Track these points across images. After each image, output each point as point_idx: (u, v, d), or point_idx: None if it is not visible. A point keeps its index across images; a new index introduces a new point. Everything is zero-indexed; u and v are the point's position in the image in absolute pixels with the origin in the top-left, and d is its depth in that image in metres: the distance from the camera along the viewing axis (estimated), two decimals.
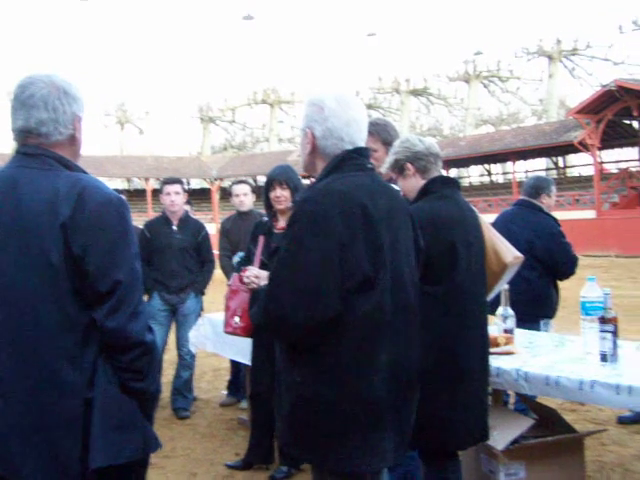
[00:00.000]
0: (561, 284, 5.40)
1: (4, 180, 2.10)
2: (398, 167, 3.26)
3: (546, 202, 5.41)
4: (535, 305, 4.98)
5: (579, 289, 3.72)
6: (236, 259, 5.26)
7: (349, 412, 2.22)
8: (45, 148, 2.13)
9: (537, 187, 5.44)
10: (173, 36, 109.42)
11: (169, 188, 6.14)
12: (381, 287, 2.27)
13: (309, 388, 2.25)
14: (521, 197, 5.63)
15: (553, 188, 5.52)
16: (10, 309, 2.00)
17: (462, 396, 3.04)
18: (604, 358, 3.33)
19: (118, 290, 2.01)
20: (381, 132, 3.81)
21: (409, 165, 3.22)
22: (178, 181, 6.33)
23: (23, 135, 2.15)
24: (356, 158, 2.39)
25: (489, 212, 26.33)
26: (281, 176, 4.56)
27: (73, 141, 2.19)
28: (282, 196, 4.52)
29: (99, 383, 2.03)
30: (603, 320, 3.31)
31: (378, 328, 2.27)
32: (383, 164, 3.45)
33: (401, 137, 3.42)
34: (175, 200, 6.12)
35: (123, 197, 2.17)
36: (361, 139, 2.44)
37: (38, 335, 1.99)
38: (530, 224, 5.21)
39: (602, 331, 3.32)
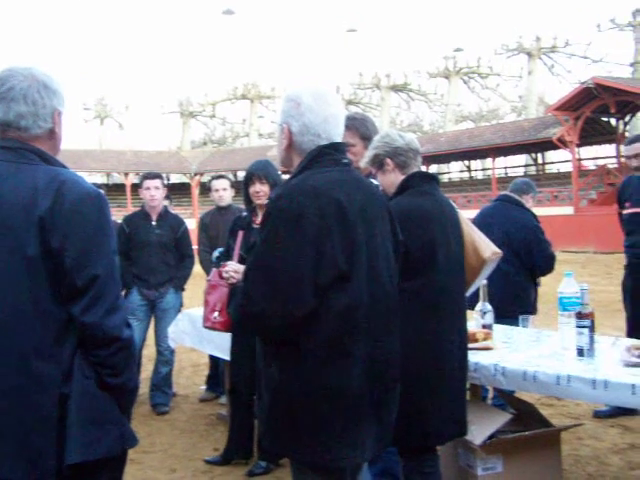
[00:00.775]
0: (540, 280, 5.45)
1: None
2: (378, 162, 3.26)
3: (529, 204, 5.51)
4: (513, 301, 5.02)
5: (557, 285, 3.75)
6: (215, 254, 5.25)
7: (327, 406, 2.23)
8: (24, 142, 2.11)
9: (526, 186, 5.59)
10: (154, 30, 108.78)
11: (149, 183, 6.11)
12: (356, 282, 2.27)
13: (287, 382, 2.25)
14: (503, 193, 5.70)
15: (536, 195, 5.70)
16: None
17: (440, 391, 3.05)
18: (581, 353, 3.36)
19: (95, 285, 2.00)
20: (359, 127, 3.81)
21: (388, 160, 3.23)
22: (158, 176, 6.31)
23: (2, 128, 2.13)
24: (331, 154, 2.39)
25: (468, 208, 26.46)
26: (260, 171, 4.55)
27: (52, 135, 2.18)
28: (261, 191, 4.52)
29: (75, 378, 2.01)
30: (580, 315, 3.34)
31: (354, 323, 2.27)
32: (362, 158, 3.45)
33: (381, 132, 3.43)
34: (155, 195, 6.09)
35: (102, 192, 2.16)
36: (338, 134, 2.44)
37: (14, 329, 1.97)
38: (509, 218, 5.27)
39: (579, 326, 3.36)
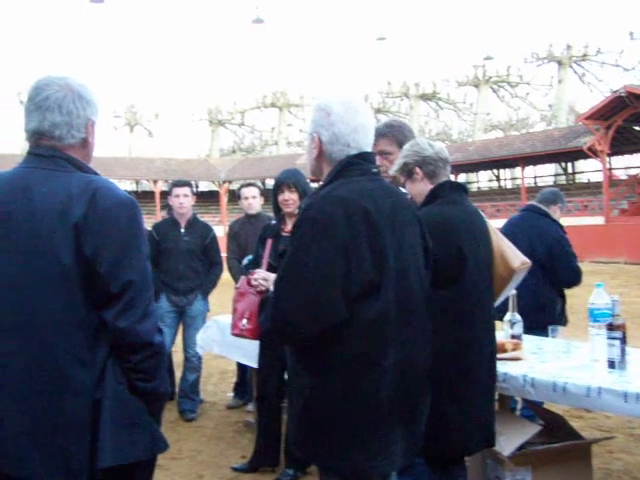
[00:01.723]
0: (569, 291, 5.39)
1: (17, 181, 2.11)
2: (407, 171, 3.26)
3: (556, 214, 5.48)
4: (538, 311, 4.97)
5: (587, 296, 3.71)
6: (244, 262, 5.27)
7: (357, 415, 2.23)
8: (58, 149, 2.14)
9: (554, 196, 5.55)
10: (183, 39, 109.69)
11: (178, 190, 6.16)
12: (386, 291, 2.27)
13: (318, 391, 2.26)
14: (530, 202, 5.67)
15: (564, 206, 5.62)
16: (21, 310, 2.01)
17: (469, 401, 3.04)
18: (612, 365, 3.32)
19: (129, 291, 2.02)
20: (397, 134, 3.76)
21: (418, 169, 3.22)
22: (187, 184, 6.35)
23: (36, 137, 2.16)
24: (360, 163, 2.40)
25: (497, 217, 26.26)
26: (289, 179, 4.58)
27: (85, 144, 2.21)
28: (290, 199, 4.54)
29: (108, 383, 2.04)
30: (611, 327, 3.31)
31: (384, 332, 2.27)
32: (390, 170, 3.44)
33: (412, 140, 3.42)
34: (183, 203, 6.14)
35: (134, 199, 2.18)
36: (367, 144, 2.45)
37: (48, 336, 2.00)
38: (534, 228, 5.24)
39: (610, 338, 3.32)
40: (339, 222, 2.21)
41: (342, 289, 2.19)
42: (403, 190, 3.28)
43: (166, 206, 7.59)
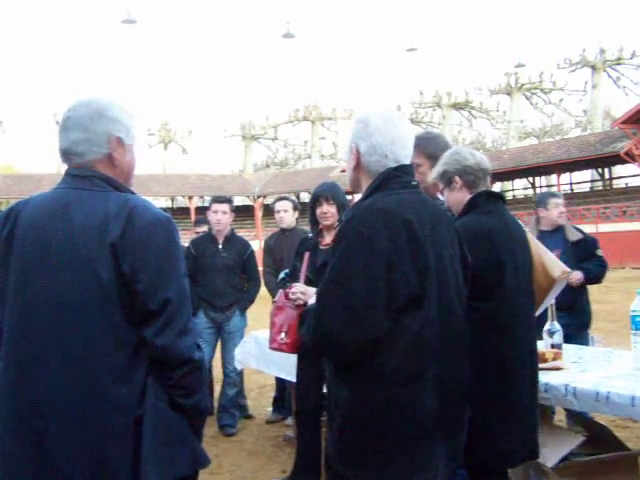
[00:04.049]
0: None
1: (56, 202, 2.15)
2: (446, 179, 3.22)
3: (545, 215, 5.67)
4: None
5: (629, 303, 3.65)
6: (282, 275, 5.28)
7: (400, 428, 2.22)
8: (94, 170, 2.17)
9: (536, 202, 5.82)
10: (215, 55, 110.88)
11: (217, 207, 6.20)
12: (429, 304, 2.26)
13: (359, 404, 2.25)
14: None
15: (551, 201, 5.70)
16: (61, 329, 2.03)
17: (510, 412, 2.99)
18: None
19: (168, 308, 2.04)
20: (426, 145, 3.71)
21: (457, 178, 3.18)
22: (228, 200, 6.38)
23: (64, 157, 2.22)
24: (400, 176, 2.40)
25: None
26: (327, 192, 4.59)
27: (112, 160, 2.22)
28: (329, 212, 4.55)
29: (148, 400, 2.05)
30: None
31: (426, 345, 2.26)
32: (428, 178, 3.42)
33: (453, 148, 3.39)
34: (221, 219, 6.18)
35: (170, 217, 2.20)
36: (406, 156, 2.45)
37: (88, 354, 2.02)
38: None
39: None
40: (382, 234, 2.21)
41: (385, 301, 2.18)
42: (441, 197, 3.26)
43: (200, 221, 7.63)
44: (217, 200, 6.32)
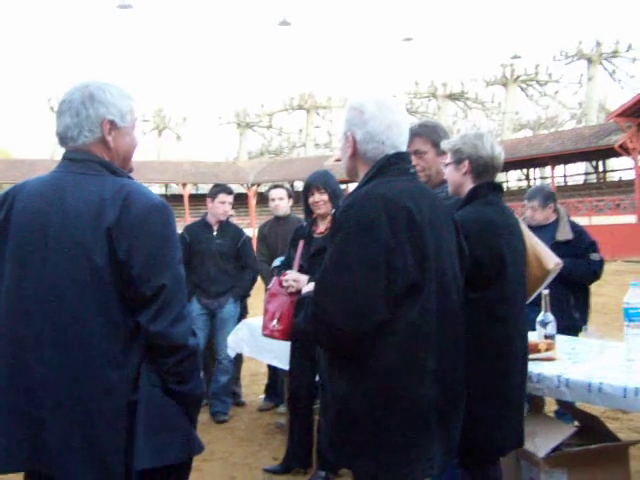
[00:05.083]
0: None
1: (51, 185, 2.14)
2: (457, 157, 3.17)
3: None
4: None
5: (621, 295, 3.66)
6: (276, 263, 5.28)
7: (396, 418, 2.21)
8: (91, 153, 2.16)
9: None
10: (210, 43, 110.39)
11: (225, 197, 6.17)
12: (428, 292, 2.25)
13: (354, 395, 2.23)
14: None
15: (526, 202, 5.63)
16: (56, 313, 2.03)
17: (503, 401, 3.00)
18: None
19: (162, 294, 2.03)
20: (431, 133, 3.71)
21: (467, 162, 3.13)
22: (232, 191, 6.38)
23: (60, 141, 2.22)
24: (398, 163, 2.39)
25: None
26: (318, 181, 4.58)
27: (106, 144, 2.20)
28: (321, 201, 4.54)
29: (143, 386, 2.05)
30: None
31: (424, 334, 2.25)
32: (433, 166, 3.44)
33: (479, 131, 3.35)
34: (228, 211, 6.19)
35: (167, 203, 2.19)
36: (402, 142, 2.43)
37: (83, 339, 2.02)
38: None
39: None
40: (381, 220, 2.19)
41: (384, 288, 2.16)
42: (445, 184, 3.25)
43: None
44: (225, 190, 6.25)
